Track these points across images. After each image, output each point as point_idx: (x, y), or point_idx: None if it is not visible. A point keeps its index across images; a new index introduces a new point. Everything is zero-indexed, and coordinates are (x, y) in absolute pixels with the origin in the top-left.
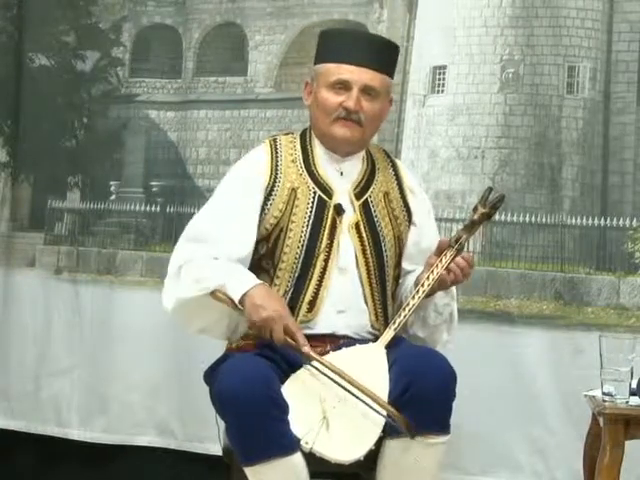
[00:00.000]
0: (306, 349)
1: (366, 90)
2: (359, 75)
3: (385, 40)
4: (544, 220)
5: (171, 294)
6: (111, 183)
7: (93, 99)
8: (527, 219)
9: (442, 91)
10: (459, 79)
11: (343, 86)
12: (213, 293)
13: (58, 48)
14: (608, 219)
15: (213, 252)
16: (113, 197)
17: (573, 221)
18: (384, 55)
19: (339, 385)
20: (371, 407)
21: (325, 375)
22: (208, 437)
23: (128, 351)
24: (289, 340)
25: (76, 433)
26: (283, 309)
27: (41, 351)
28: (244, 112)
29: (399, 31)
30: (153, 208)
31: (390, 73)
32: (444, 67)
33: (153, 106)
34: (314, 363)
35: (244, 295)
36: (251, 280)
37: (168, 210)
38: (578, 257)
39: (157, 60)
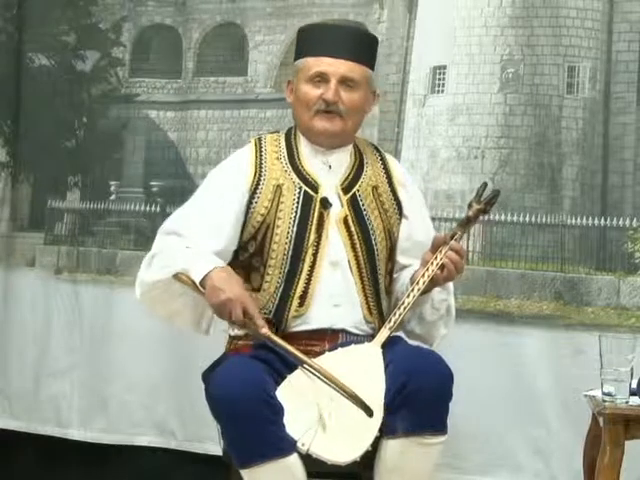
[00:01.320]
0: (264, 330)
1: (345, 81)
2: (337, 67)
3: (363, 31)
4: (544, 220)
5: (139, 280)
6: (111, 183)
7: (93, 99)
8: (527, 219)
9: (442, 91)
10: (459, 79)
11: (321, 79)
12: (177, 276)
13: (58, 48)
14: (608, 219)
15: (186, 243)
16: (113, 197)
17: (573, 221)
18: (362, 46)
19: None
20: (340, 392)
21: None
22: (208, 437)
23: (128, 351)
24: (248, 322)
25: (76, 433)
26: (242, 292)
27: (41, 351)
28: (244, 112)
29: (399, 31)
30: (153, 208)
31: (370, 64)
32: (444, 67)
33: (153, 106)
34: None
35: (204, 277)
36: (212, 263)
37: (168, 210)
38: (578, 257)
39: (157, 60)
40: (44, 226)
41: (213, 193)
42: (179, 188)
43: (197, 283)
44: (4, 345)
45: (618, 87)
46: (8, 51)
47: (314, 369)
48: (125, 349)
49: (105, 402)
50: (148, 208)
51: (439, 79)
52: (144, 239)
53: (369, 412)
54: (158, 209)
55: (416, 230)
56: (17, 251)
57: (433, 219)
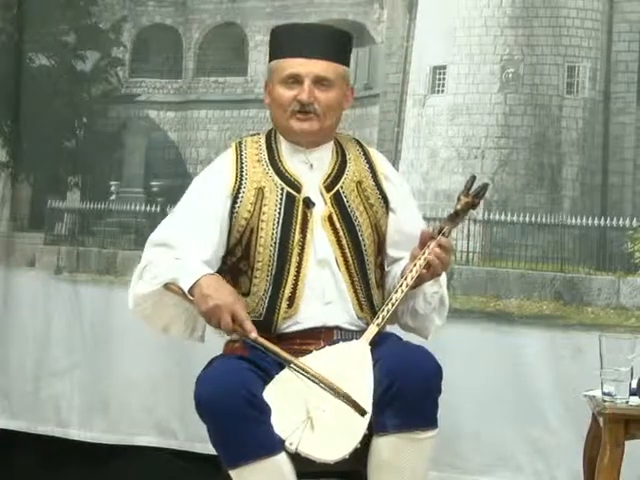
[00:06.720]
0: (253, 335)
1: (319, 81)
2: (309, 67)
3: (334, 29)
4: (544, 220)
5: (130, 293)
6: (111, 183)
7: (93, 99)
8: (527, 219)
9: (442, 91)
10: (459, 79)
11: (295, 80)
12: (167, 286)
13: (58, 48)
14: (608, 219)
15: (176, 254)
16: (113, 197)
17: (573, 221)
18: (334, 44)
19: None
20: (333, 394)
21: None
22: (208, 437)
23: (128, 351)
24: (237, 328)
25: (76, 433)
26: (231, 298)
27: (41, 351)
28: (244, 112)
29: (399, 31)
30: (153, 208)
31: (344, 61)
32: (444, 67)
33: (153, 106)
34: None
35: (193, 285)
36: (201, 271)
37: (168, 210)
38: (578, 257)
39: (157, 60)
40: (44, 226)
41: (197, 201)
42: (179, 188)
43: (186, 292)
44: (4, 345)
45: (618, 87)
46: (8, 51)
47: (305, 371)
48: (125, 349)
49: (105, 402)
50: (148, 208)
51: (439, 79)
52: (144, 239)
53: (362, 412)
54: (158, 209)
55: (404, 222)
56: (17, 251)
57: (433, 219)
